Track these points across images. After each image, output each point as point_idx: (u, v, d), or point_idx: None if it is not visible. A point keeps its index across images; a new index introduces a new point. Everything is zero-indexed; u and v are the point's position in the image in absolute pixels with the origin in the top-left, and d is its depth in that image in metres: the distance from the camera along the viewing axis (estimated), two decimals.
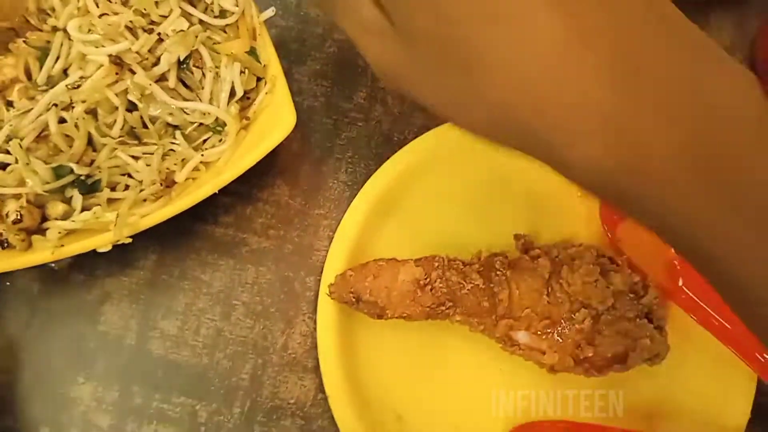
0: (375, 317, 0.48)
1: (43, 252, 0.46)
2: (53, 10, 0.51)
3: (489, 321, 0.47)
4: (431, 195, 0.55)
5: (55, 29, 0.50)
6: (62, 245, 0.46)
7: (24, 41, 0.50)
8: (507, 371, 0.51)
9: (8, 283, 0.53)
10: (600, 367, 0.47)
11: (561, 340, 0.45)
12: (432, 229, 0.55)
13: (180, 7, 0.48)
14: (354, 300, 0.47)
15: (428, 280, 0.47)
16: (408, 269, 0.47)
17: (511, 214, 0.55)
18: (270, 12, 0.51)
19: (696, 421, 0.50)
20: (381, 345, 0.52)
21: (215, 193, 0.49)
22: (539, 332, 0.46)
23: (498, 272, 0.48)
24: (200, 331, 0.53)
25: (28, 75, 0.50)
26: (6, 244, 0.46)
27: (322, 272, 0.52)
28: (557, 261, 0.48)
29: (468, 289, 0.46)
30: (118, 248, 0.48)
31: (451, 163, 0.55)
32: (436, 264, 0.48)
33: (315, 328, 0.51)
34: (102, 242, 0.46)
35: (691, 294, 0.53)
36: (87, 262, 0.53)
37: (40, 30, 0.51)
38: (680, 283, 0.54)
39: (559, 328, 0.46)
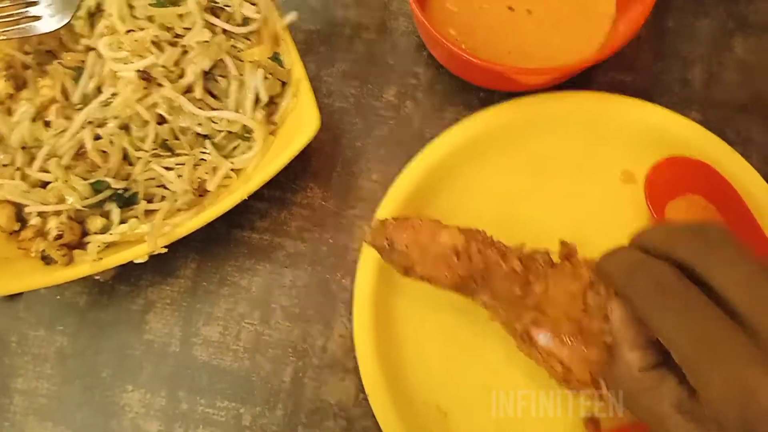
0: (402, 271, 0.46)
1: (84, 266, 0.47)
2: (85, 31, 0.52)
3: (513, 311, 0.44)
4: (463, 192, 0.54)
5: (88, 49, 0.52)
6: (101, 258, 0.47)
7: (59, 62, 0.52)
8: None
9: (58, 297, 0.55)
10: None
11: (585, 352, 0.41)
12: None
13: (203, 19, 0.48)
14: (387, 247, 0.45)
15: (467, 249, 0.44)
16: (450, 233, 0.45)
17: (552, 212, 0.53)
18: (292, 16, 0.51)
19: None
20: (419, 340, 0.51)
21: (250, 200, 0.49)
22: (563, 337, 0.42)
23: (539, 265, 0.45)
24: (241, 336, 0.54)
25: (66, 95, 0.52)
26: (49, 260, 0.47)
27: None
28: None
29: (504, 271, 0.44)
30: (159, 258, 0.50)
31: (482, 160, 0.54)
32: (480, 237, 0.45)
33: (353, 329, 0.51)
34: (138, 253, 0.47)
35: None
36: (131, 273, 0.55)
37: (74, 51, 0.52)
38: None
39: (584, 342, 0.41)
